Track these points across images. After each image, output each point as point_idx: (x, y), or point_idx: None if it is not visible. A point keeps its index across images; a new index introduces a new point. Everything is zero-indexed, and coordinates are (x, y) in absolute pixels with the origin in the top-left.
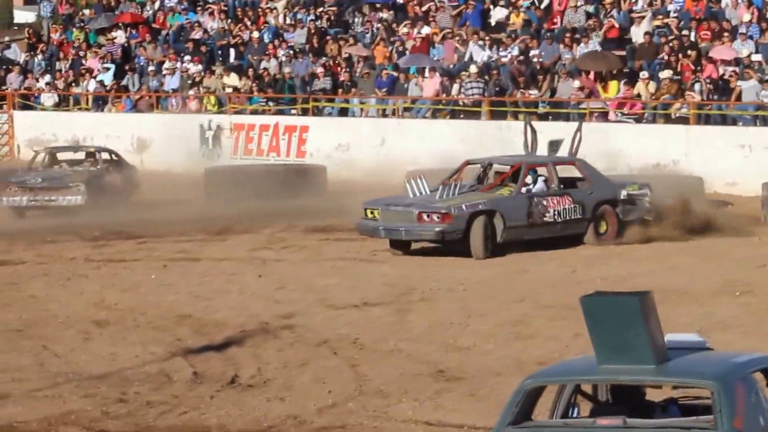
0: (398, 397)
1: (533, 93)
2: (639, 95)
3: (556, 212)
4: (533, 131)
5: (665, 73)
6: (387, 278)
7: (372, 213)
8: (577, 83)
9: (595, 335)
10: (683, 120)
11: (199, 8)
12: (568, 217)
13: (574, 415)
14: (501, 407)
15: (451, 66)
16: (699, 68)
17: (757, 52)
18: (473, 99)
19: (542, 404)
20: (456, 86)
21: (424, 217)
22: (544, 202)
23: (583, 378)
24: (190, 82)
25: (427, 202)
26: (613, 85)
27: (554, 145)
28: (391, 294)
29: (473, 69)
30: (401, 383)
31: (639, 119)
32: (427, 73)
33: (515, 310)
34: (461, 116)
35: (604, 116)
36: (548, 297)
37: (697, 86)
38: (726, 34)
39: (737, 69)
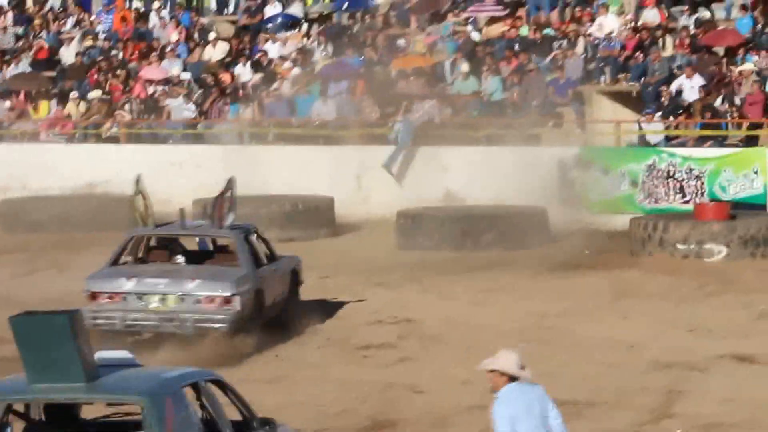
0: None
1: None
2: (70, 115)
3: None
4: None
5: (95, 93)
6: None
7: None
8: (8, 104)
9: (24, 354)
10: (114, 139)
11: None
12: None
13: None
14: None
15: None
16: (129, 87)
17: (185, 70)
18: None
19: None
20: None
21: None
22: None
23: (14, 397)
24: None
25: None
26: (44, 105)
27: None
28: None
29: None
30: None
31: (70, 139)
32: None
33: None
34: None
35: (35, 137)
36: None
37: (127, 106)
38: (154, 53)
39: (166, 87)
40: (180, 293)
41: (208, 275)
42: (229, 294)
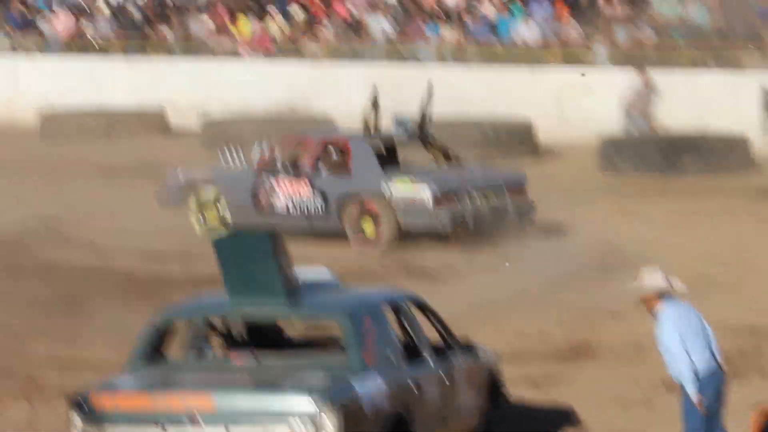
0: (30, 335)
1: (166, 31)
2: (270, 33)
3: (288, 198)
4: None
5: (296, 11)
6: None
7: None
8: (209, 21)
9: (225, 272)
10: (314, 57)
11: None
12: (305, 207)
13: (206, 351)
14: (132, 345)
15: (85, 3)
16: (330, 5)
17: None
18: (106, 36)
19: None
20: (89, 23)
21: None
22: (273, 183)
23: (215, 314)
24: None
25: None
26: (244, 22)
27: (401, 121)
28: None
29: (104, 6)
30: (33, 321)
31: (270, 56)
32: (59, 11)
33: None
34: (94, 54)
35: (235, 53)
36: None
37: (328, 24)
38: None
39: (368, 7)
40: (497, 186)
41: (499, 172)
42: (525, 185)
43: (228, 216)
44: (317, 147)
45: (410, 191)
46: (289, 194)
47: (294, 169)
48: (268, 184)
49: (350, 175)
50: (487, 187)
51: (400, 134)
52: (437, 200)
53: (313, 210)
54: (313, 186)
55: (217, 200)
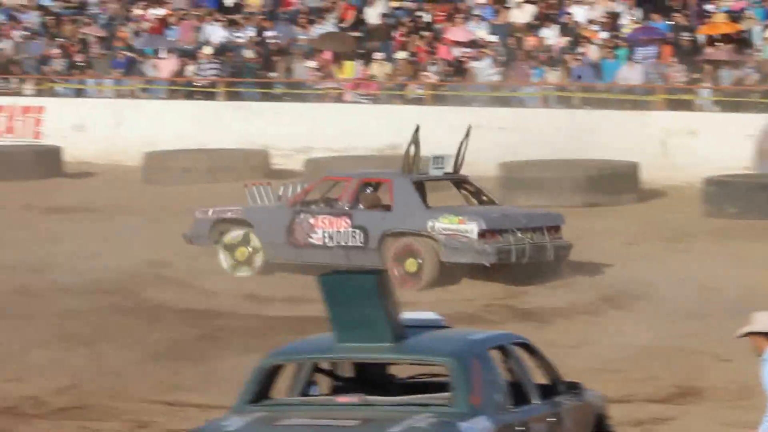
0: (136, 377)
1: (270, 74)
2: (374, 76)
3: (326, 234)
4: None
5: (400, 54)
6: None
7: None
8: (313, 64)
9: (332, 313)
10: (419, 101)
11: None
12: (344, 243)
13: (313, 392)
14: (239, 387)
15: (189, 47)
16: (434, 49)
17: (491, 33)
18: (210, 79)
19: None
20: (192, 67)
21: None
22: (311, 220)
23: (322, 356)
24: None
25: None
26: (348, 65)
27: (438, 160)
28: (138, 273)
29: (208, 50)
30: (139, 363)
31: (375, 100)
32: (163, 54)
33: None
34: (198, 97)
35: (340, 97)
36: None
37: (432, 67)
38: (461, 15)
39: (472, 50)
40: (537, 226)
41: (537, 211)
42: (562, 225)
43: (259, 253)
44: (356, 185)
45: (455, 226)
46: (326, 230)
47: (332, 206)
48: (305, 221)
49: (392, 211)
50: (527, 225)
51: (437, 173)
52: (483, 234)
53: (351, 244)
54: (352, 222)
55: (247, 238)
